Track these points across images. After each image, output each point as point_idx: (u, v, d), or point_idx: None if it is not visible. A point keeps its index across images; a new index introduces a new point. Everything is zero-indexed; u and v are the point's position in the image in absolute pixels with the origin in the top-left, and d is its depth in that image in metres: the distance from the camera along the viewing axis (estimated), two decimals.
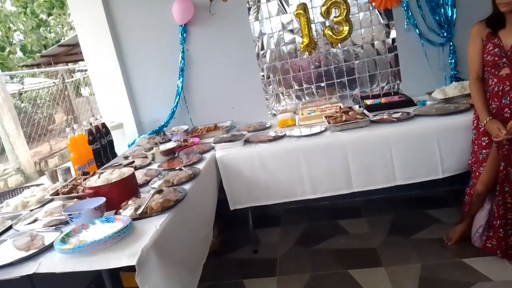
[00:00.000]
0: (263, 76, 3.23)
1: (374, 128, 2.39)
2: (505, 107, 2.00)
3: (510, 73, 1.96)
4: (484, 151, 2.11)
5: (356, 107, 2.86)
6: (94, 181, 1.83)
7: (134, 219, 1.56)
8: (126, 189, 1.79)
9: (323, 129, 2.52)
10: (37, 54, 9.26)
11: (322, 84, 3.18)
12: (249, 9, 3.10)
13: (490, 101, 2.06)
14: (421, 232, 2.59)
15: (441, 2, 2.82)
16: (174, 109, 3.28)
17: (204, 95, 3.32)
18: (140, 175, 2.16)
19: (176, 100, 3.27)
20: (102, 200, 1.64)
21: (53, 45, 9.27)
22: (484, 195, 2.15)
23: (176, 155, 2.54)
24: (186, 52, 3.21)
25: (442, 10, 2.83)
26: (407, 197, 3.08)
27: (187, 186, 1.91)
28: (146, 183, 2.07)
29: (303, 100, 3.24)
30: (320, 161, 2.41)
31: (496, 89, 2.02)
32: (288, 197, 2.52)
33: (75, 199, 1.88)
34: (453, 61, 2.90)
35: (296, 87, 3.22)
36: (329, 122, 2.48)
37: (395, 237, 2.61)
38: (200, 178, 2.09)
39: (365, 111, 2.62)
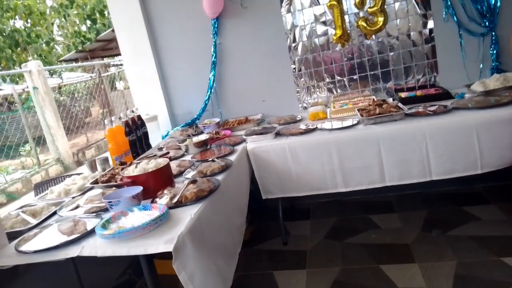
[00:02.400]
0: (294, 68, 3.21)
1: (409, 122, 2.33)
2: None
3: None
4: None
5: (390, 100, 2.79)
6: (132, 171, 1.90)
7: (169, 208, 1.61)
8: (162, 178, 1.85)
9: (355, 122, 2.49)
10: (87, 44, 9.59)
11: (355, 77, 3.12)
12: (282, 1, 3.09)
13: None
14: (456, 229, 2.51)
15: None
16: (206, 102, 3.33)
17: (236, 88, 3.35)
18: (174, 166, 2.22)
19: (208, 93, 3.32)
20: (139, 188, 1.70)
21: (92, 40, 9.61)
22: None
23: (208, 147, 2.59)
24: (218, 46, 3.24)
25: None
26: (442, 192, 2.99)
27: (220, 177, 1.95)
28: (180, 173, 2.13)
29: (335, 93, 3.20)
30: (353, 154, 2.38)
31: None
32: (319, 189, 2.51)
33: (114, 188, 1.96)
34: (495, 51, 2.76)
35: (328, 79, 3.18)
36: (362, 115, 2.44)
37: (429, 233, 2.54)
38: (232, 169, 2.12)
39: (399, 104, 2.55)
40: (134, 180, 1.79)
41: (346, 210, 3.06)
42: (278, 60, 3.20)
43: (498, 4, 2.68)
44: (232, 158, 2.27)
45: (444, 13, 2.82)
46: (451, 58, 2.89)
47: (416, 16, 2.89)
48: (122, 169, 2.06)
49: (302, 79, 3.22)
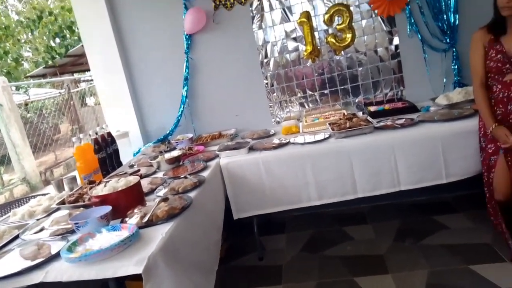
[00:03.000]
0: (267, 83, 3.25)
1: (378, 134, 2.40)
2: (510, 113, 1.99)
3: None
4: (492, 157, 2.08)
5: (360, 113, 2.86)
6: (100, 190, 1.84)
7: (140, 227, 1.56)
8: (132, 197, 1.80)
9: (327, 136, 2.53)
10: (51, 61, 9.34)
11: (326, 91, 3.19)
12: (253, 17, 3.14)
13: (495, 108, 2.05)
14: (428, 238, 2.57)
15: (444, 8, 2.83)
16: (179, 117, 3.31)
17: (209, 103, 3.34)
18: (145, 184, 2.17)
19: (181, 108, 3.29)
20: (108, 208, 1.65)
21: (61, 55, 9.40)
22: (507, 203, 2.08)
23: (181, 163, 2.56)
24: (190, 61, 3.24)
25: (445, 16, 2.84)
26: (413, 203, 3.07)
27: (192, 194, 1.92)
28: (152, 191, 2.08)
29: (307, 107, 3.25)
30: (325, 167, 2.41)
31: (501, 95, 2.01)
32: (293, 203, 2.51)
33: (82, 208, 1.90)
34: (456, 66, 2.90)
35: (300, 94, 3.23)
36: (333, 129, 2.48)
37: (402, 243, 2.59)
38: (205, 185, 2.10)
39: (368, 118, 2.62)
40: (103, 200, 1.74)
41: (321, 222, 3.08)
42: (251, 75, 3.24)
43: (457, 22, 2.83)
44: (205, 174, 2.24)
45: (408, 30, 2.95)
46: (416, 73, 3.02)
47: (382, 33, 3.01)
48: (91, 188, 1.99)
49: (275, 94, 3.26)
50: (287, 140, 2.63)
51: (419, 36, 2.93)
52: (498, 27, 1.99)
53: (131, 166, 2.76)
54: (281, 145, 2.55)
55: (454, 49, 2.89)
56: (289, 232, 3.05)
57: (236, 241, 2.98)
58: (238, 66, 3.23)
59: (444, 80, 2.98)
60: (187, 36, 3.18)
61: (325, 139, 2.49)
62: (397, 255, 2.46)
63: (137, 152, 3.24)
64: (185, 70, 3.24)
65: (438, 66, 2.97)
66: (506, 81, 1.99)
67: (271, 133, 2.97)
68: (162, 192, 2.01)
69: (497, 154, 2.05)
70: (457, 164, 2.29)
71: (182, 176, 2.20)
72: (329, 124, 2.61)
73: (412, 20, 2.91)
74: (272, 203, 2.52)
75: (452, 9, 2.81)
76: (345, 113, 2.88)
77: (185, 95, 3.27)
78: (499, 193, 2.08)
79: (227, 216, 2.45)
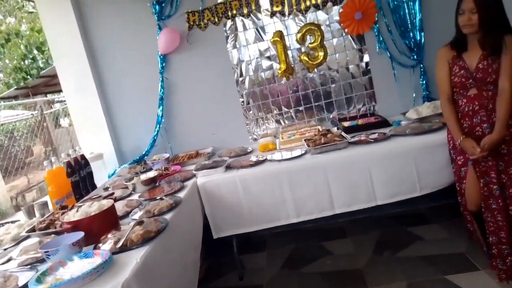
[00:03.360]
0: (243, 102, 3.27)
1: (352, 150, 2.44)
2: (476, 126, 2.07)
3: (478, 93, 2.04)
4: (462, 169, 2.14)
5: (335, 129, 2.92)
6: (72, 215, 1.78)
7: (114, 253, 1.52)
8: (106, 222, 1.75)
9: (303, 152, 2.56)
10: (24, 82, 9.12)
11: (301, 108, 3.24)
12: (227, 37, 3.18)
13: (462, 121, 2.12)
14: (405, 250, 2.60)
15: (410, 26, 2.96)
16: (155, 137, 3.27)
17: (185, 122, 3.33)
18: (120, 207, 2.12)
19: (157, 128, 3.26)
20: (80, 234, 1.60)
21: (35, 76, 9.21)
22: (479, 213, 2.13)
23: (157, 184, 2.52)
24: (165, 81, 3.24)
25: (411, 34, 2.96)
26: (390, 215, 3.11)
27: (168, 216, 1.89)
28: (127, 214, 2.04)
29: (283, 124, 3.29)
30: (302, 184, 2.43)
31: (466, 109, 2.10)
32: (272, 221, 2.51)
33: (53, 235, 1.83)
34: (424, 82, 3.02)
35: (276, 111, 3.27)
36: (308, 145, 2.52)
37: (380, 256, 2.62)
38: (182, 206, 2.07)
39: (343, 133, 2.67)
40: (75, 226, 1.68)
41: (301, 238, 3.08)
42: (227, 93, 3.26)
43: (423, 40, 2.95)
44: (182, 194, 2.22)
45: (377, 47, 3.05)
46: (387, 88, 3.11)
47: (353, 51, 3.10)
48: (63, 213, 1.93)
49: (251, 111, 3.29)
50: (264, 157, 2.64)
51: (388, 53, 3.04)
52: (460, 44, 2.09)
53: (106, 189, 2.70)
54: (258, 163, 2.56)
55: (421, 65, 3.00)
56: (269, 250, 3.03)
57: (215, 260, 2.94)
58: (213, 85, 3.25)
59: (414, 94, 3.08)
60: (161, 56, 3.19)
61: (301, 155, 2.52)
62: (375, 268, 2.48)
63: (112, 174, 3.17)
64: (160, 90, 3.23)
65: (407, 82, 3.08)
66: (470, 95, 2.08)
67: (249, 151, 2.98)
68: (137, 215, 1.97)
69: (467, 165, 2.12)
70: (430, 176, 2.35)
71: (158, 197, 2.17)
72: (305, 140, 2.65)
73: (381, 38, 3.02)
74: (250, 222, 2.51)
75: (417, 28, 2.94)
76: (320, 129, 2.93)
77: (161, 114, 3.25)
78: (471, 203, 2.14)
79: (207, 234, 2.42)
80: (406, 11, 2.93)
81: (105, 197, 2.24)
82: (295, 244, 3.02)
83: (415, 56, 3.00)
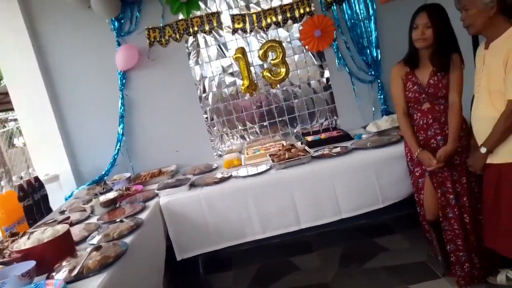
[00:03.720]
0: (206, 118, 3.25)
1: (316, 164, 2.47)
2: (431, 138, 2.16)
3: (431, 107, 2.14)
4: (420, 180, 2.22)
5: (299, 143, 2.95)
6: (23, 243, 1.66)
7: (68, 282, 1.43)
8: (60, 248, 1.65)
9: (268, 167, 2.56)
10: None
11: (265, 123, 3.26)
12: (189, 54, 3.16)
13: (418, 134, 2.20)
14: (370, 261, 2.64)
15: (367, 44, 3.09)
16: (115, 156, 3.16)
17: (147, 140, 3.25)
18: (77, 231, 2.01)
19: (117, 146, 3.16)
20: (31, 264, 1.49)
21: None
22: (437, 222, 2.20)
23: (118, 205, 2.42)
24: (126, 98, 3.15)
25: (368, 51, 3.09)
26: (355, 227, 3.14)
27: (128, 239, 1.81)
28: (84, 239, 1.93)
29: (248, 139, 3.29)
30: (268, 200, 2.42)
31: (421, 122, 2.19)
32: (238, 238, 2.48)
33: (1, 266, 1.69)
34: (382, 96, 3.14)
35: (240, 127, 3.27)
36: (273, 161, 2.52)
37: (346, 268, 2.64)
38: (143, 228, 1.99)
39: (306, 148, 2.71)
40: (26, 254, 1.57)
41: (268, 254, 3.04)
42: (190, 110, 3.22)
43: (379, 56, 3.08)
44: (144, 215, 2.14)
45: (337, 63, 3.15)
46: (347, 103, 3.21)
47: (314, 67, 3.18)
48: (13, 241, 1.80)
49: (215, 127, 3.26)
50: (229, 174, 2.61)
51: (347, 69, 3.14)
52: (412, 61, 2.18)
53: (62, 212, 2.56)
54: (223, 180, 2.53)
55: (379, 81, 3.13)
56: (236, 268, 2.97)
57: (181, 281, 2.83)
58: (176, 102, 3.20)
59: (373, 108, 3.20)
60: (121, 73, 3.11)
61: (266, 171, 2.52)
62: (342, 281, 2.49)
63: (69, 196, 3.02)
64: (121, 107, 3.14)
65: (366, 96, 3.19)
66: (424, 109, 2.17)
67: (213, 167, 2.94)
68: (95, 239, 1.87)
69: (424, 176, 2.20)
70: (391, 188, 2.43)
71: (118, 219, 2.07)
72: (269, 155, 2.65)
73: (340, 55, 3.12)
74: (216, 240, 2.46)
75: (374, 45, 3.07)
76: (284, 144, 2.95)
77: (121, 132, 3.15)
78: (429, 213, 2.22)
79: (170, 256, 2.34)
80: (363, 29, 3.06)
81: (60, 222, 2.12)
82: (262, 261, 2.97)
83: (372, 72, 3.12)
